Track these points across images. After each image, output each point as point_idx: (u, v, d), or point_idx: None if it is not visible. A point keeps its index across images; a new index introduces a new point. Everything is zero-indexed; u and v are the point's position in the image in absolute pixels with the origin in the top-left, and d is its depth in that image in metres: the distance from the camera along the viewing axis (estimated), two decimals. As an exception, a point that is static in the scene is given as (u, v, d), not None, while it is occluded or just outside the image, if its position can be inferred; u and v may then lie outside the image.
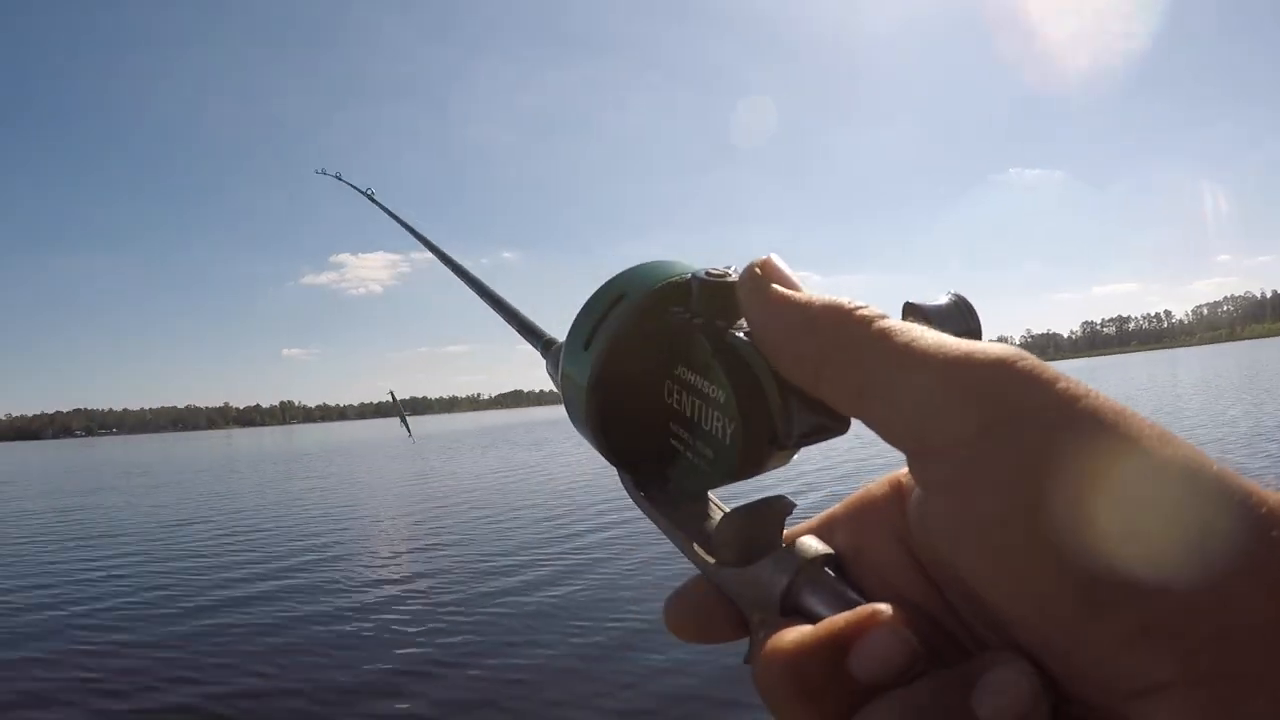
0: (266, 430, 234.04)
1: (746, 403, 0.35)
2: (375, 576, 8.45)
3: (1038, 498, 0.25)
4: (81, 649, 6.15)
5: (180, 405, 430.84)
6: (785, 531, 0.37)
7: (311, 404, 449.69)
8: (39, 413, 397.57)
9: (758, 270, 0.35)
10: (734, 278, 0.37)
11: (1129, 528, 0.24)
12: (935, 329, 0.33)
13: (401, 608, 6.89)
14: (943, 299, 0.38)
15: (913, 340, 0.30)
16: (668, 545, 0.39)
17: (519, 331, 0.64)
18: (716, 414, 0.36)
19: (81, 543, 12.21)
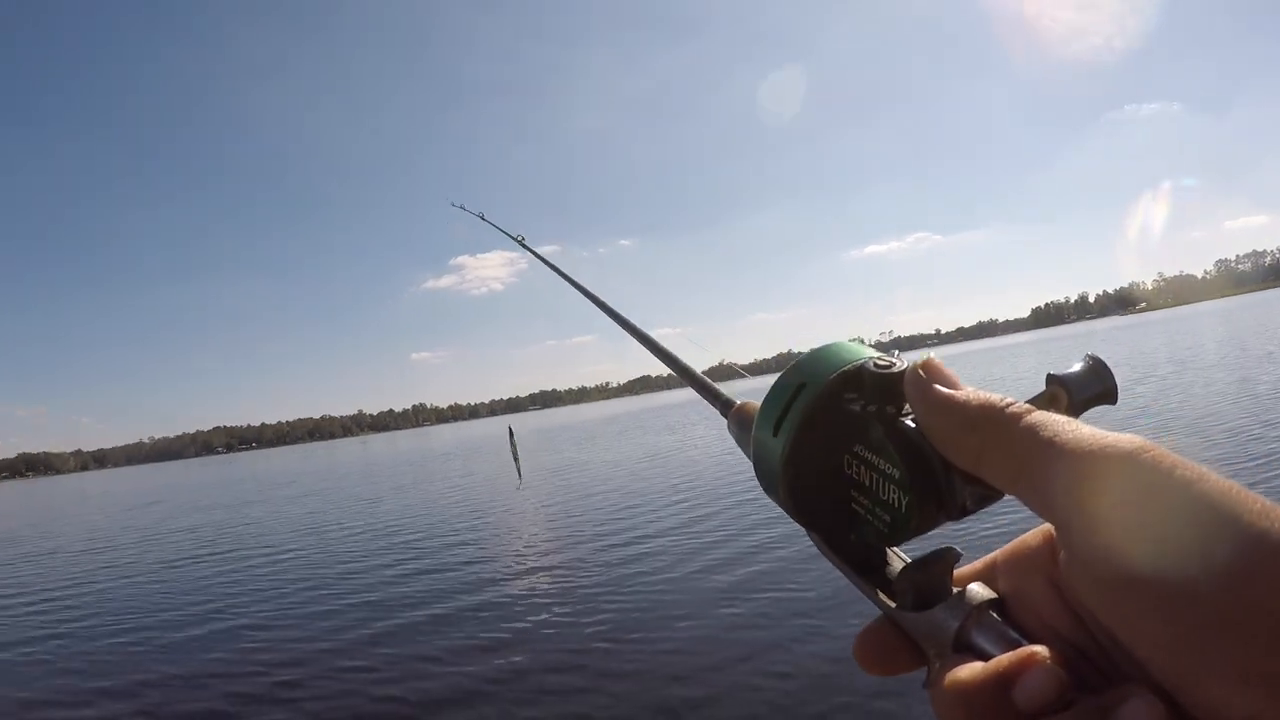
0: (400, 434, 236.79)
1: (917, 478, 0.43)
2: (527, 565, 8.92)
3: (1158, 568, 0.32)
4: (263, 651, 6.75)
5: (315, 416, 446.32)
6: (955, 573, 0.45)
7: (443, 405, 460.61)
8: (180, 434, 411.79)
9: (921, 372, 0.44)
10: (899, 366, 0.46)
11: (1233, 599, 0.31)
12: (1076, 394, 0.45)
13: (563, 596, 7.38)
14: (1079, 365, 0.46)
15: (1056, 435, 0.37)
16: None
17: (698, 391, 0.74)
18: (892, 487, 0.44)
19: (239, 554, 12.86)
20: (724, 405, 0.64)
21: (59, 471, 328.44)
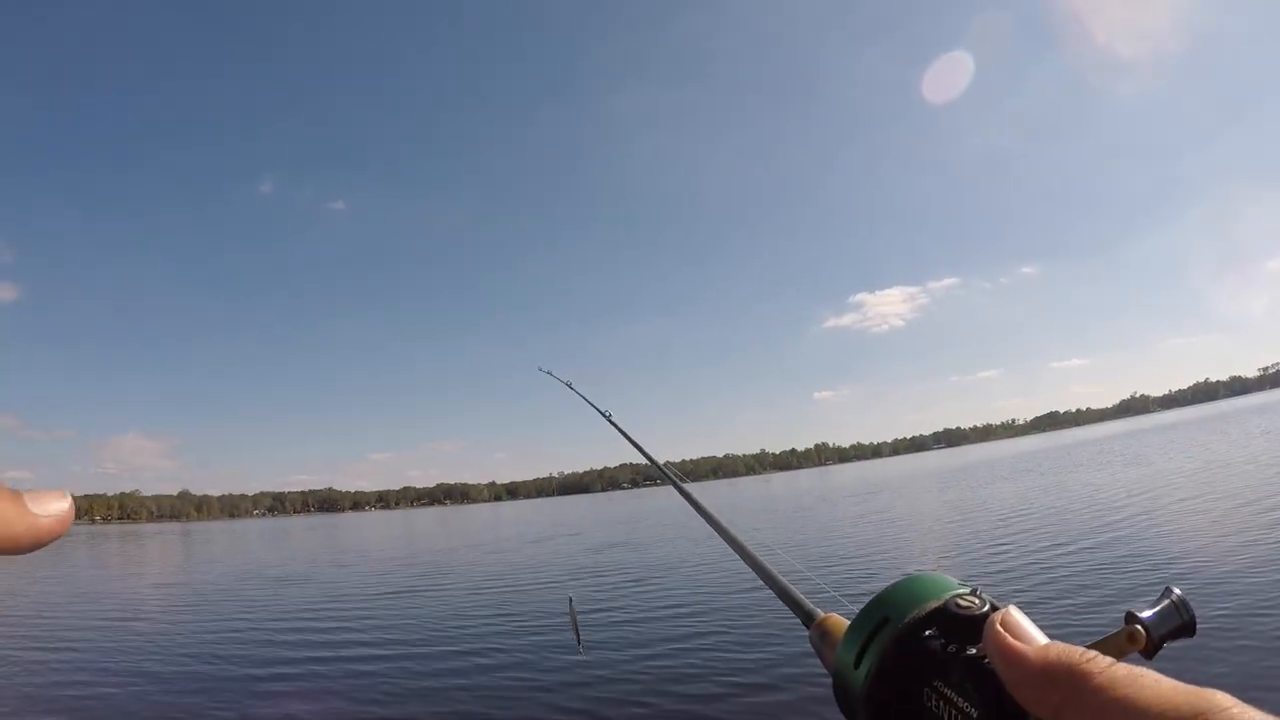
0: (803, 472, 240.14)
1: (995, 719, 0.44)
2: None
3: None
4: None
5: (720, 455, 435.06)
6: None
7: (845, 444, 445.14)
8: (588, 469, 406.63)
9: (999, 626, 0.45)
10: (981, 608, 0.49)
11: None
12: (1154, 632, 0.46)
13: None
14: (1163, 603, 0.47)
15: (1133, 692, 0.38)
16: None
17: (781, 599, 0.78)
18: None
19: (678, 578, 14.09)
20: (806, 616, 0.72)
21: (474, 500, 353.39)
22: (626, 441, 1.91)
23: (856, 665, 0.51)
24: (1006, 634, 0.45)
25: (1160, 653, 0.46)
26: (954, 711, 0.47)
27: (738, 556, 0.95)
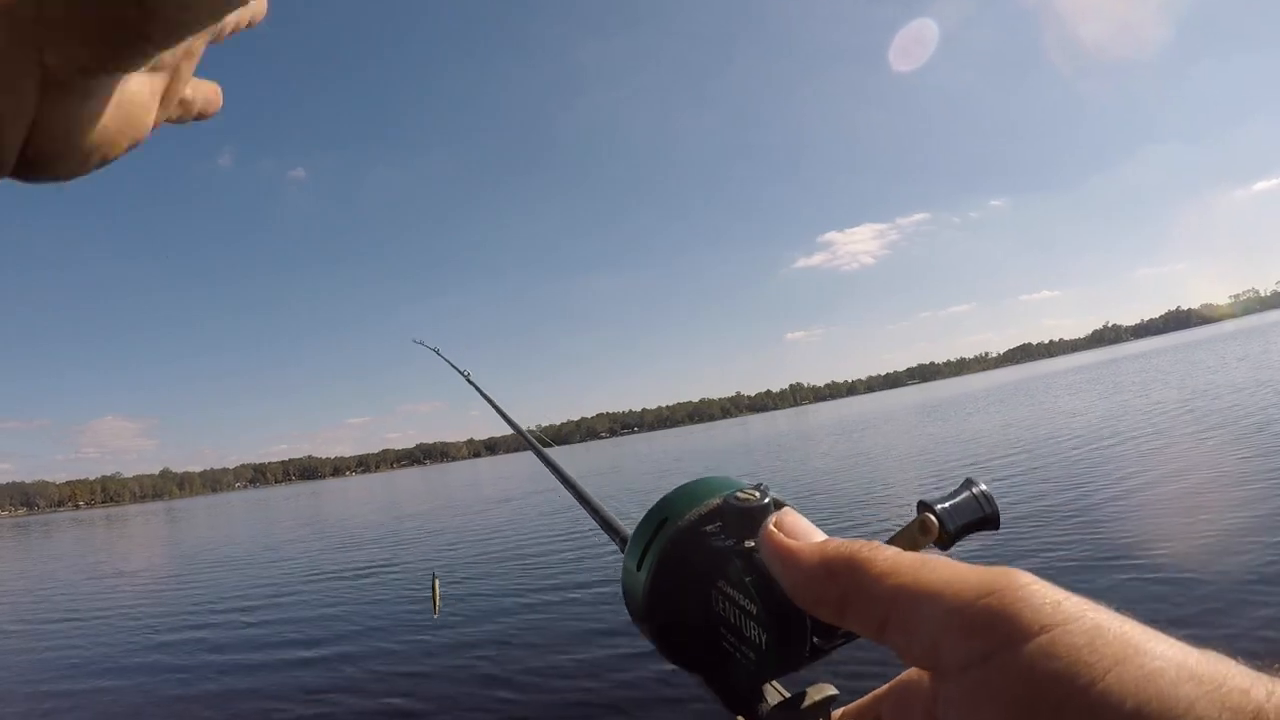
0: (780, 413, 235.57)
1: (777, 617, 0.41)
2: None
3: (1033, 716, 0.30)
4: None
5: (694, 400, 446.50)
6: (839, 713, 0.46)
7: (820, 383, 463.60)
8: (565, 420, 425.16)
9: (773, 527, 0.42)
10: (759, 499, 0.45)
11: None
12: (949, 523, 0.43)
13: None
14: (961, 495, 0.44)
15: (922, 575, 0.35)
16: None
17: (601, 528, 0.77)
18: (753, 624, 0.43)
19: None
20: (622, 541, 0.69)
21: (453, 458, 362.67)
22: (487, 403, 1.90)
23: (639, 568, 0.49)
24: (780, 533, 0.41)
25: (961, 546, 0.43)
26: (737, 610, 0.44)
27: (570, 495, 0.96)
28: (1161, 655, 0.29)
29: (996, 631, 0.32)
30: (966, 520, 0.44)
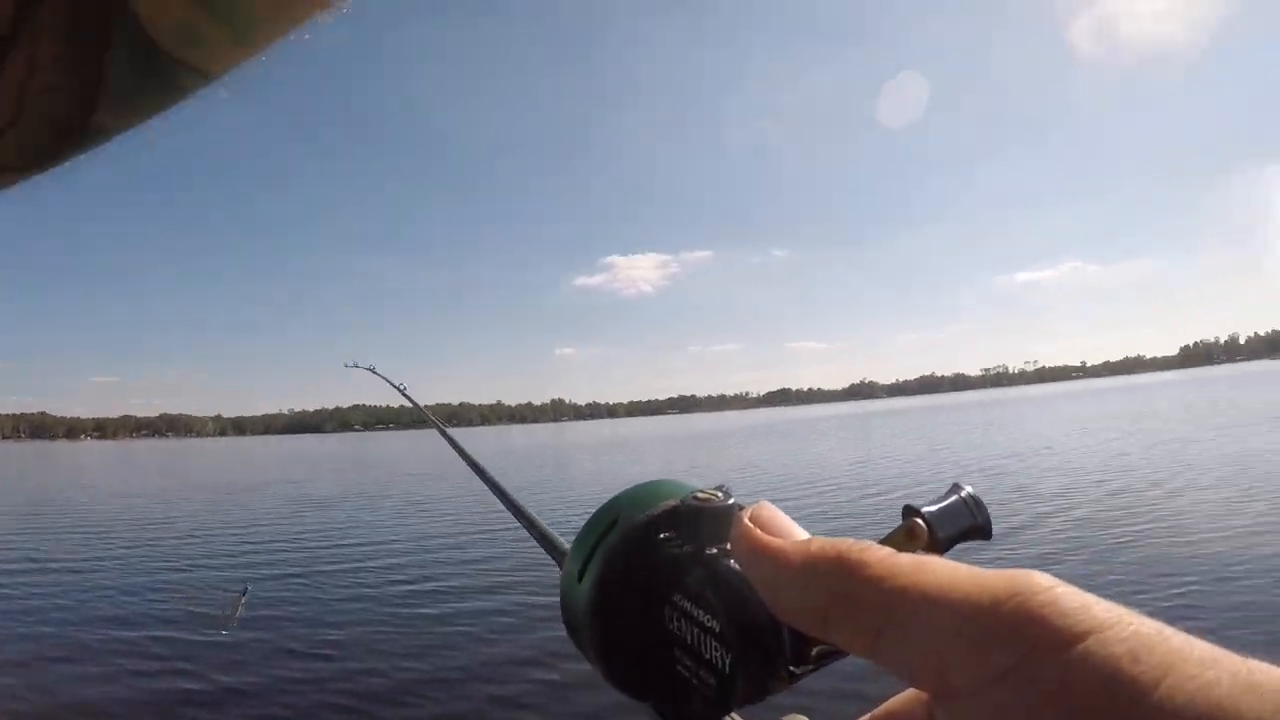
0: (539, 426, 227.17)
1: (742, 634, 0.34)
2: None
3: None
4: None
5: (454, 402, 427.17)
6: None
7: (581, 402, 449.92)
8: (320, 408, 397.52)
9: (748, 521, 0.34)
10: (723, 500, 0.37)
11: None
12: (938, 531, 0.34)
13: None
14: (949, 499, 0.36)
15: (925, 579, 0.28)
16: None
17: (538, 541, 0.69)
18: (714, 643, 0.35)
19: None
20: (560, 557, 0.61)
21: (198, 434, 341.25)
22: (390, 386, 2.09)
23: (581, 578, 0.39)
24: (757, 529, 0.33)
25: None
26: (694, 629, 0.35)
27: (496, 500, 0.96)
28: (1214, 664, 0.24)
29: (1020, 643, 0.26)
30: (958, 528, 0.36)
